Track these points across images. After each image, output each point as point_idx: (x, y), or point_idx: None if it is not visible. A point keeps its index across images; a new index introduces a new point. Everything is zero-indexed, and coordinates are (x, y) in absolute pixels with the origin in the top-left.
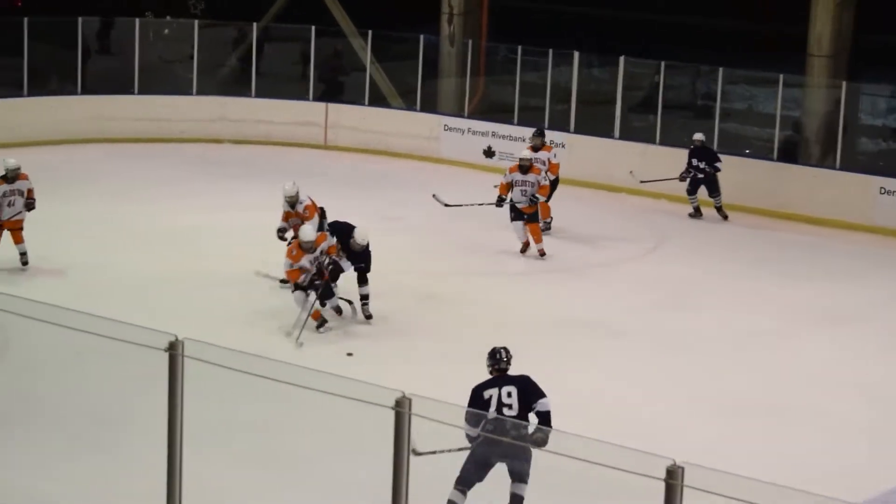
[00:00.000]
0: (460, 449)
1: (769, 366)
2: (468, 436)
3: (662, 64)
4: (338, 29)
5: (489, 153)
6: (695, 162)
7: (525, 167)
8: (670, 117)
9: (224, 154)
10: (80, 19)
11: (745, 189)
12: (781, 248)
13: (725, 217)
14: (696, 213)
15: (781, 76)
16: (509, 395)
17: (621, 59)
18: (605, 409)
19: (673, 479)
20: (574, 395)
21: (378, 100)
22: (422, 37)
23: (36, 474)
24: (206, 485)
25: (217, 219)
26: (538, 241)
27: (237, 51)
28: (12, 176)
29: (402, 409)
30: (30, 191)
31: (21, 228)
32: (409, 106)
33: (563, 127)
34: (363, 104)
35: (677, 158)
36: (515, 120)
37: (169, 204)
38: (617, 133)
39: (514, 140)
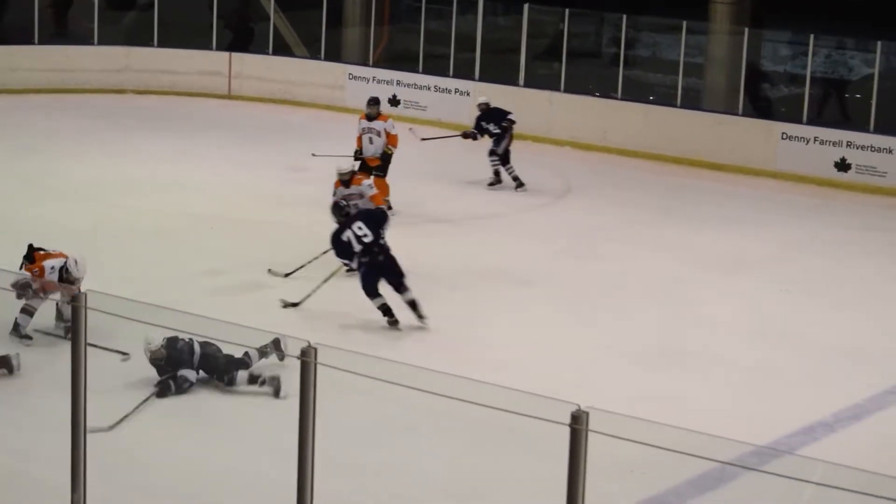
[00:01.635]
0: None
1: (673, 313)
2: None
3: (567, 11)
4: None
5: (394, 102)
6: (483, 125)
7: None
8: (575, 65)
9: (127, 104)
10: None
11: (649, 136)
12: (685, 194)
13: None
14: (497, 180)
15: (685, 23)
16: (360, 228)
17: (525, 6)
18: (513, 357)
19: (578, 423)
20: (482, 344)
21: (282, 49)
22: None
23: None
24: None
25: (123, 171)
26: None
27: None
28: None
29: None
30: None
31: None
32: (314, 55)
33: (468, 75)
34: (267, 53)
35: (583, 105)
36: (420, 69)
37: (75, 156)
38: (522, 81)
39: (419, 88)
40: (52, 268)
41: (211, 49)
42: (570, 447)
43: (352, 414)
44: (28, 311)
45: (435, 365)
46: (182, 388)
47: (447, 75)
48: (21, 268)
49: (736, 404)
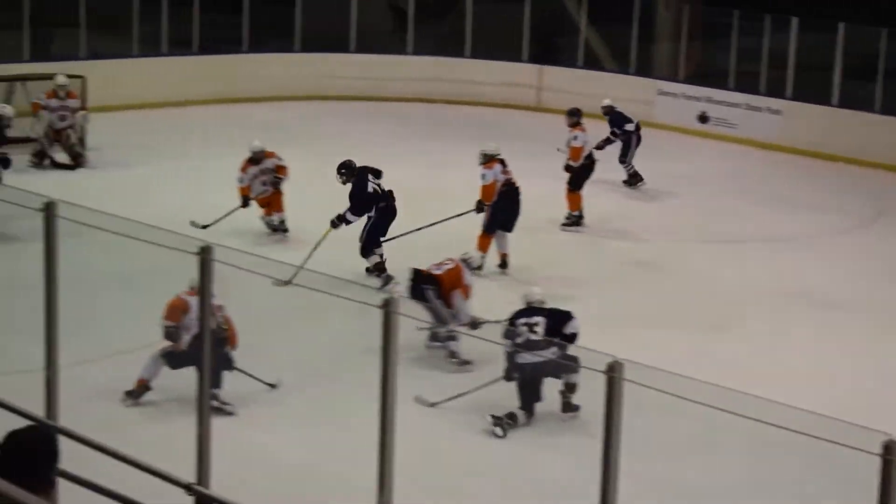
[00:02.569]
0: None
1: None
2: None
3: (884, 31)
4: None
5: (703, 119)
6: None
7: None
8: (893, 85)
9: (437, 113)
10: None
11: None
12: None
13: (637, 181)
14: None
15: None
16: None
17: (841, 25)
18: (817, 381)
19: (890, 454)
20: (786, 367)
21: (592, 62)
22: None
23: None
24: None
25: (433, 177)
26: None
27: (453, 11)
28: (258, 157)
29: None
30: (279, 168)
31: (269, 204)
32: (624, 69)
33: (780, 93)
34: (577, 66)
35: None
36: (731, 85)
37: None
38: (836, 101)
39: (729, 106)
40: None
41: (521, 61)
42: (881, 478)
43: (651, 430)
44: None
45: (734, 384)
46: None
47: (758, 93)
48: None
49: None
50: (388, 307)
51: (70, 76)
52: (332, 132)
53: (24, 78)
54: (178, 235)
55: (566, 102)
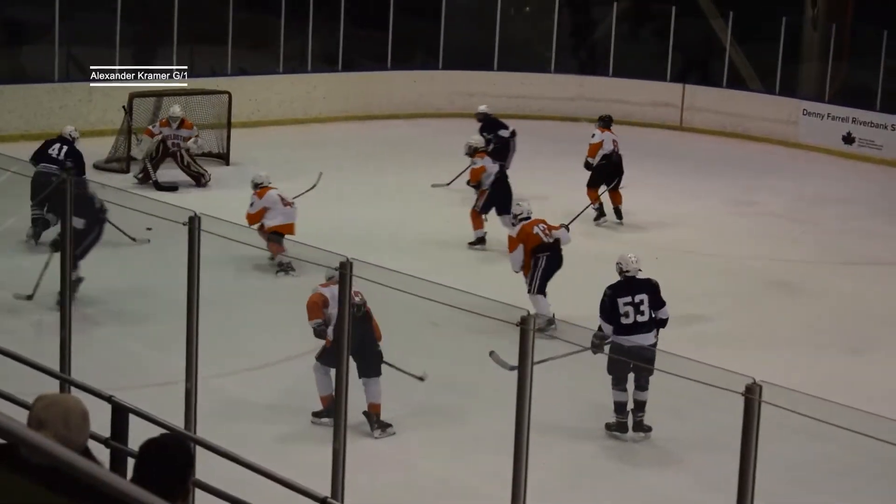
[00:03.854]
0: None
1: None
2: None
3: None
4: (699, 9)
5: (849, 140)
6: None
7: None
8: None
9: (580, 133)
10: None
11: None
12: None
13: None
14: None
15: None
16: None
17: None
18: None
19: None
20: None
21: (736, 82)
22: (784, 19)
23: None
24: None
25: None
26: None
27: (597, 29)
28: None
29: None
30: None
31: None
32: (768, 89)
33: None
34: (721, 86)
35: None
36: (878, 106)
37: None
38: None
39: (875, 127)
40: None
41: (665, 80)
42: None
43: (790, 454)
44: None
45: (876, 408)
46: None
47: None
48: None
49: None
50: (524, 325)
51: (216, 91)
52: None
53: (171, 93)
54: (320, 251)
55: (711, 122)
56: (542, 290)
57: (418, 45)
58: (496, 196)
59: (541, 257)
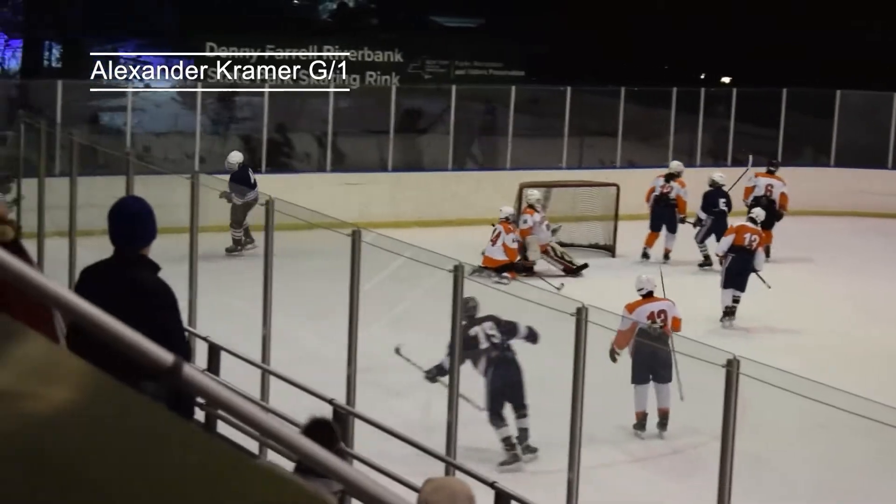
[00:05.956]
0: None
1: None
2: None
3: None
4: None
5: None
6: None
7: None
8: None
9: None
10: (837, 92)
11: None
12: None
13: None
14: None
15: None
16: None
17: None
18: None
19: None
20: None
21: None
22: None
23: None
24: None
25: None
26: None
27: None
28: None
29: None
30: None
31: None
32: None
33: None
34: None
35: None
36: None
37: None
38: None
39: None
40: None
41: None
42: None
43: None
44: None
45: None
46: None
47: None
48: None
49: None
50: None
51: (605, 184)
52: (870, 247)
53: (561, 185)
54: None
55: None
56: None
57: (809, 142)
58: None
59: None
